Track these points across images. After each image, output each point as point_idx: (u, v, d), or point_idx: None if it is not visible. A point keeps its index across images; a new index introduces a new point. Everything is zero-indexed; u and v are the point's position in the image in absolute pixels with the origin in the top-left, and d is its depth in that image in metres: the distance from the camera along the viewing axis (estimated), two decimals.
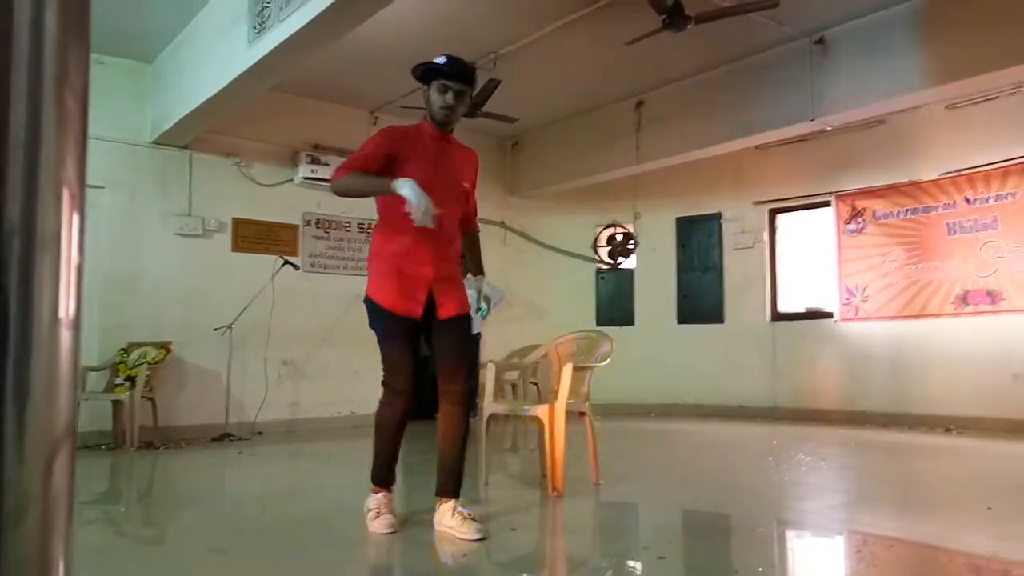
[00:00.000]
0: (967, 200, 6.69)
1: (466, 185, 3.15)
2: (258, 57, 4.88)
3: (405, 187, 2.70)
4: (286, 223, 7.40)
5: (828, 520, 3.38)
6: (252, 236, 7.18)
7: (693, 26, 5.09)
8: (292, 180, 7.43)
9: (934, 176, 6.92)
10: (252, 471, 5.28)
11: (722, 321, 8.37)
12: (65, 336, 0.30)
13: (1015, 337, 6.35)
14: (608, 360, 4.02)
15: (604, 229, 8.98)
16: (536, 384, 4.98)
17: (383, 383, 3.03)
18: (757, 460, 5.18)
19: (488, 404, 4.05)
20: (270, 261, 6.90)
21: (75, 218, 0.30)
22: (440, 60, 2.99)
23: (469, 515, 2.95)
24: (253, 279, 6.75)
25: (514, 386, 6.19)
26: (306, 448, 6.20)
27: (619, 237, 8.83)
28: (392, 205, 2.87)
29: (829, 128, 6.83)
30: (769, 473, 4.63)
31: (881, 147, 7.25)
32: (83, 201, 0.31)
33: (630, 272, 8.95)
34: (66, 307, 0.30)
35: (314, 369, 7.36)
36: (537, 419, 3.80)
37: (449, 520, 2.95)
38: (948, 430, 6.39)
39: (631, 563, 2.52)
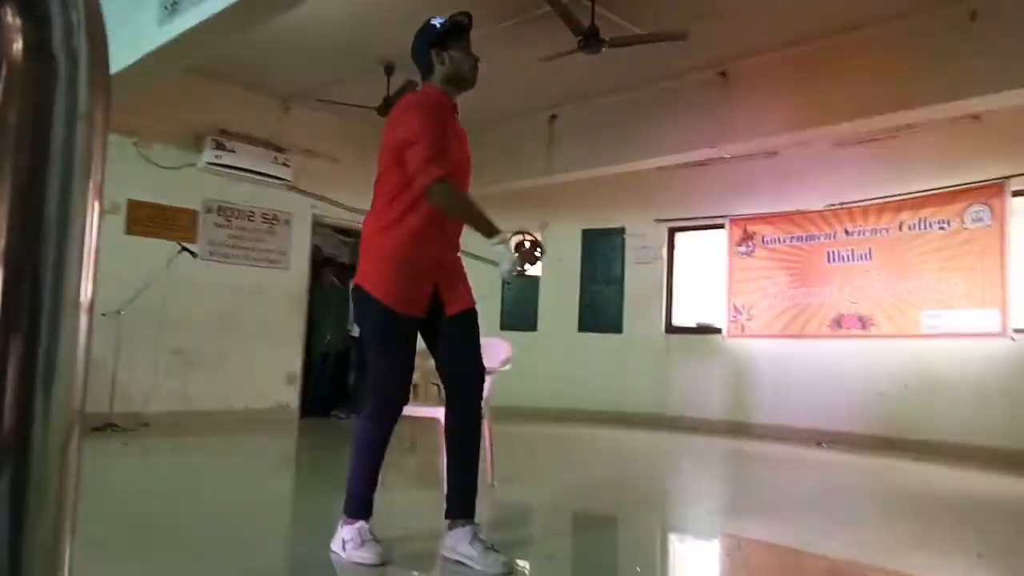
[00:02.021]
0: (846, 232, 7.23)
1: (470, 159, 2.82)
2: (168, 38, 4.73)
3: (504, 252, 2.45)
4: (186, 208, 7.15)
5: (705, 524, 3.61)
6: (147, 220, 6.90)
7: (607, 49, 5.30)
8: (195, 164, 7.19)
9: (819, 207, 7.44)
10: (136, 464, 5.09)
11: (621, 331, 8.68)
12: (84, 320, 0.36)
13: (882, 359, 6.90)
14: (509, 366, 4.14)
15: (513, 235, 9.12)
16: (438, 386, 5.03)
17: (371, 392, 2.58)
18: (645, 465, 5.43)
19: None
20: (167, 247, 6.66)
21: (97, 213, 0.36)
22: (441, 20, 2.66)
23: (491, 545, 2.53)
24: (147, 264, 6.49)
25: (415, 386, 6.22)
26: (196, 441, 6.02)
27: (527, 245, 8.98)
28: (399, 183, 2.53)
29: (727, 156, 7.24)
30: (655, 478, 4.88)
31: (773, 177, 7.72)
32: (103, 198, 0.38)
33: (536, 279, 9.14)
34: (87, 292, 0.36)
35: (208, 360, 7.14)
36: (436, 421, 3.86)
37: (467, 547, 2.51)
38: (819, 444, 6.88)
39: (520, 562, 2.62)
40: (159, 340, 6.67)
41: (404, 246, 2.52)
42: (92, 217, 0.34)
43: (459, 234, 2.71)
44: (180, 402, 6.91)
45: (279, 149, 7.68)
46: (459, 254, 2.75)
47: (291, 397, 7.76)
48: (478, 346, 2.68)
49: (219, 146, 7.21)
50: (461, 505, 2.61)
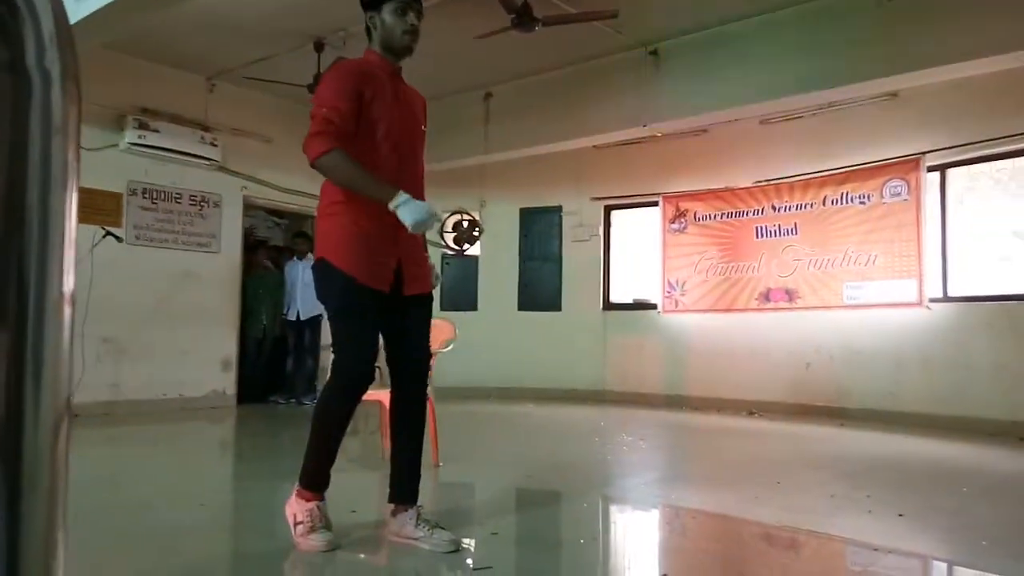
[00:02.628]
0: (773, 208, 7.47)
1: (423, 128, 2.71)
2: (84, 14, 4.53)
3: (405, 210, 2.30)
4: (108, 191, 6.87)
5: (645, 495, 3.73)
6: None
7: (540, 28, 5.31)
8: (116, 145, 6.92)
9: (747, 184, 7.66)
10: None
11: (559, 309, 8.79)
12: (67, 312, 0.37)
13: (808, 331, 7.19)
14: (451, 346, 4.16)
15: (451, 216, 9.11)
16: (379, 367, 5.02)
17: (336, 368, 2.48)
18: (585, 441, 5.55)
19: None
20: (90, 231, 6.40)
21: (74, 215, 0.38)
22: None
23: (436, 523, 2.55)
24: None
25: (377, 368, 6.18)
26: (128, 432, 5.86)
27: (465, 224, 9.00)
28: (358, 139, 2.45)
29: (659, 134, 7.37)
30: (595, 452, 4.99)
31: (703, 155, 7.90)
32: (77, 195, 0.39)
33: (475, 259, 9.16)
34: (68, 284, 0.37)
35: (138, 348, 6.92)
36: (379, 403, 3.86)
37: (413, 530, 2.53)
38: (751, 413, 7.14)
39: (466, 540, 2.67)
40: (86, 329, 6.42)
41: (361, 215, 2.43)
42: (70, 219, 0.36)
43: (420, 192, 2.61)
44: (110, 392, 6.69)
45: (205, 128, 7.44)
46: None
47: (227, 384, 7.61)
48: (428, 332, 2.66)
49: (142, 125, 6.95)
50: (406, 491, 2.60)
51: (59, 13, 0.35)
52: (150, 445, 5.44)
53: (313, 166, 2.40)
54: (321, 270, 2.50)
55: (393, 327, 2.58)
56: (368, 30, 2.61)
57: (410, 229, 2.33)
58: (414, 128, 2.62)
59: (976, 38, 5.17)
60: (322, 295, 2.52)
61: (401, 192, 2.33)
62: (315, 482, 2.52)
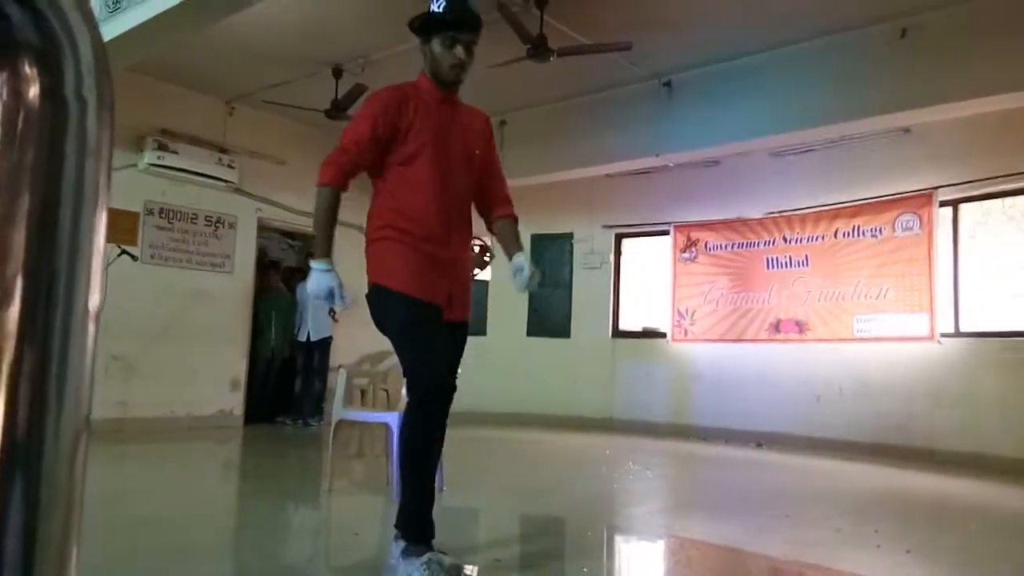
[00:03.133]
0: (784, 239, 7.47)
1: (477, 152, 2.61)
2: (107, 37, 4.63)
3: (310, 279, 2.33)
4: (126, 210, 6.98)
5: (650, 525, 3.70)
6: None
7: (555, 58, 5.39)
8: (136, 165, 7.03)
9: (759, 215, 7.67)
10: None
11: (569, 336, 8.78)
12: (92, 329, 0.39)
13: (818, 363, 7.15)
14: (459, 370, 4.16)
15: None
16: (386, 390, 5.03)
17: (412, 389, 2.33)
18: (592, 468, 5.52)
19: (338, 410, 4.06)
20: (106, 249, 6.48)
21: (103, 235, 0.40)
22: (437, 5, 2.46)
23: (441, 550, 2.36)
24: None
25: (363, 392, 6.19)
26: (136, 449, 5.88)
27: (476, 249, 9.04)
28: (402, 166, 2.42)
29: (671, 164, 7.41)
30: (601, 481, 4.96)
31: (715, 185, 7.93)
32: (106, 215, 0.42)
33: (485, 284, 9.18)
34: (95, 302, 0.39)
35: (148, 366, 6.97)
36: (386, 426, 3.87)
37: None
38: (759, 445, 7.08)
39: (468, 567, 2.66)
40: (97, 345, 6.47)
41: (413, 236, 2.38)
42: (99, 239, 0.38)
43: (468, 233, 2.58)
44: (119, 409, 6.72)
45: (223, 150, 7.56)
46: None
47: (235, 403, 7.63)
48: (459, 361, 2.55)
49: (161, 147, 7.06)
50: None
51: (97, 43, 0.38)
52: (157, 463, 5.46)
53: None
54: (377, 296, 2.40)
55: None
56: (422, 53, 2.56)
57: (308, 290, 2.37)
58: (465, 152, 2.55)
59: (988, 76, 5.20)
60: (380, 321, 2.41)
61: (320, 262, 2.35)
62: (422, 531, 2.33)
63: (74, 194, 0.36)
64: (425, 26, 2.46)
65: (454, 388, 2.40)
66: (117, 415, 6.68)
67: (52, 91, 0.35)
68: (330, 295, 2.33)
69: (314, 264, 2.34)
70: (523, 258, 2.64)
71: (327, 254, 2.36)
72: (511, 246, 2.72)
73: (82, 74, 0.36)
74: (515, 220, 2.80)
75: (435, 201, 2.42)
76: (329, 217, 2.38)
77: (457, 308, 2.49)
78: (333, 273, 2.35)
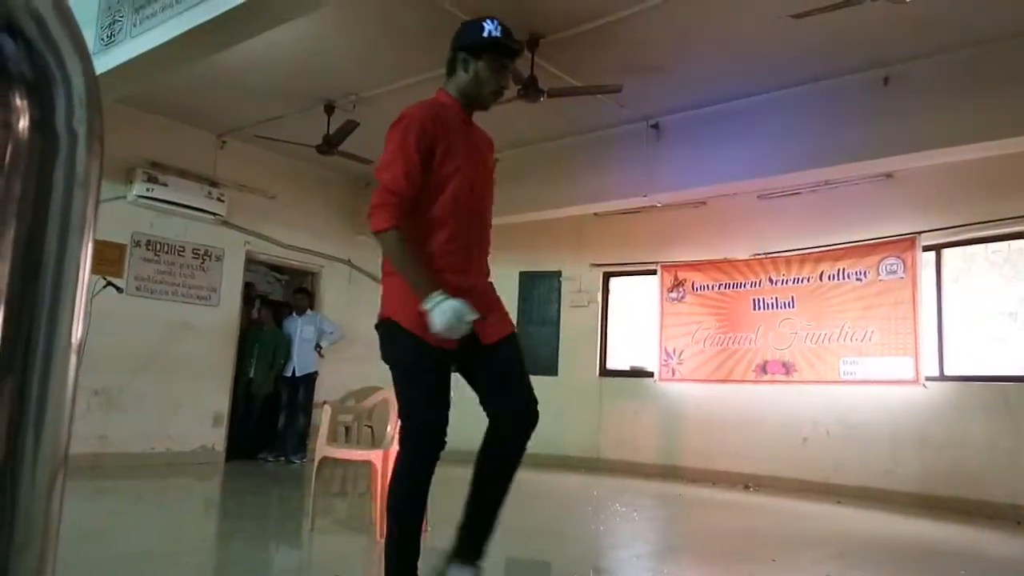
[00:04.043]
0: (771, 280, 7.53)
1: (492, 177, 2.56)
2: (101, 71, 4.65)
3: (436, 313, 2.12)
4: (113, 242, 6.94)
5: (636, 569, 3.65)
6: None
7: (545, 99, 5.46)
8: (124, 197, 7.02)
9: (745, 256, 7.73)
10: None
11: (556, 374, 8.75)
12: (73, 362, 0.38)
13: (805, 405, 7.15)
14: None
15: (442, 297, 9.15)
16: (371, 427, 4.98)
17: (406, 436, 2.28)
18: (579, 510, 5.46)
19: (322, 446, 4.01)
20: (90, 281, 6.42)
21: (88, 267, 0.39)
22: (493, 27, 2.35)
23: None
24: None
25: (348, 428, 6.13)
26: (113, 485, 5.76)
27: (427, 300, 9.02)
28: (432, 191, 2.28)
29: (659, 204, 7.48)
30: (588, 522, 4.90)
31: (702, 226, 8.00)
32: (92, 248, 0.41)
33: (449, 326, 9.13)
34: (76, 335, 0.38)
35: (129, 400, 6.87)
36: (370, 463, 3.82)
37: None
38: (747, 487, 7.03)
39: None
40: (79, 379, 6.37)
41: (431, 271, 2.24)
42: (84, 272, 0.37)
43: (486, 254, 2.47)
44: (98, 444, 6.60)
45: (213, 183, 7.56)
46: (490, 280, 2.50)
47: (217, 439, 7.51)
48: (526, 374, 2.42)
49: (151, 179, 7.06)
50: (477, 544, 2.38)
51: (90, 75, 0.38)
52: (135, 500, 5.35)
53: (376, 236, 2.25)
54: (387, 331, 2.30)
55: (485, 380, 2.39)
56: (450, 68, 2.42)
57: (436, 331, 2.15)
58: (485, 176, 2.48)
59: (968, 124, 5.31)
60: (388, 357, 2.32)
61: (436, 294, 2.14)
62: None
63: (61, 226, 0.36)
64: (476, 45, 2.34)
65: (535, 402, 2.39)
66: (96, 450, 6.56)
67: (43, 123, 0.35)
68: (462, 319, 2.14)
69: (431, 302, 2.13)
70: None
71: (433, 287, 2.16)
72: None
73: (73, 106, 0.36)
74: None
75: (461, 229, 2.32)
76: (408, 257, 2.22)
77: (490, 330, 2.35)
78: (452, 300, 2.14)
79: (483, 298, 2.38)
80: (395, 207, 2.20)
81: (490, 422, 2.38)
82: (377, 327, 2.34)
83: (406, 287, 2.25)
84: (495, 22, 2.35)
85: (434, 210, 2.29)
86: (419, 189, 2.25)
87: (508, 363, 2.39)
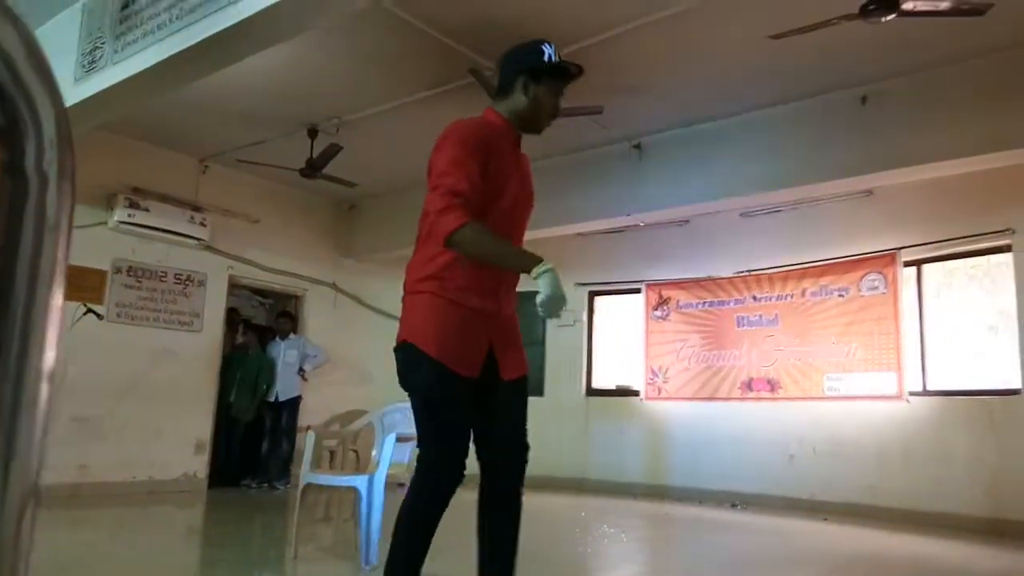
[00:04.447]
0: (754, 298, 7.57)
1: (531, 200, 2.52)
2: (83, 96, 4.64)
3: (545, 280, 2.06)
4: (93, 268, 6.86)
5: None
6: None
7: None
8: (105, 223, 6.95)
9: (728, 274, 7.78)
10: None
11: (542, 394, 8.72)
12: (45, 389, 0.37)
13: (791, 422, 7.16)
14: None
15: None
16: (356, 451, 4.93)
17: (423, 465, 2.20)
18: (565, 532, 5.41)
19: (306, 472, 3.96)
20: (70, 308, 6.35)
21: (59, 308, 0.38)
22: (551, 51, 2.32)
23: None
24: None
25: (332, 453, 6.05)
26: (93, 515, 5.65)
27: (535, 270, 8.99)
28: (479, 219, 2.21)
29: (642, 224, 7.52)
30: (576, 544, 4.86)
31: (686, 244, 8.05)
32: (64, 291, 0.40)
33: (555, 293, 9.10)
34: (50, 360, 0.37)
35: (110, 428, 6.76)
36: (355, 490, 3.78)
37: None
38: (733, 505, 7.02)
39: None
40: (58, 407, 6.28)
41: (452, 291, 2.17)
42: (55, 317, 0.36)
43: (517, 281, 2.37)
44: (78, 473, 6.49)
45: (196, 208, 7.52)
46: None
47: (199, 466, 7.41)
48: (526, 417, 2.41)
49: (132, 204, 7.00)
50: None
51: (60, 116, 0.37)
52: (116, 529, 5.25)
53: (448, 244, 2.11)
54: (406, 355, 2.20)
55: (494, 412, 2.31)
56: (504, 89, 2.37)
57: (540, 305, 2.07)
58: (525, 201, 2.44)
59: (945, 141, 5.38)
60: (407, 383, 2.22)
61: (546, 261, 2.11)
62: None
63: (30, 269, 0.35)
64: (538, 69, 2.31)
65: (527, 448, 2.35)
66: (76, 479, 6.44)
67: (12, 166, 0.34)
68: (562, 295, 2.10)
69: (542, 267, 2.08)
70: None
71: (537, 257, 2.12)
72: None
73: (43, 148, 0.35)
74: None
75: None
76: (496, 241, 2.17)
77: (511, 366, 2.31)
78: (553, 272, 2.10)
79: (509, 330, 2.34)
80: (462, 206, 2.11)
81: (483, 473, 2.32)
82: (396, 351, 2.23)
83: (429, 308, 2.18)
84: (551, 46, 2.33)
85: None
86: (480, 195, 2.17)
87: (517, 408, 2.35)
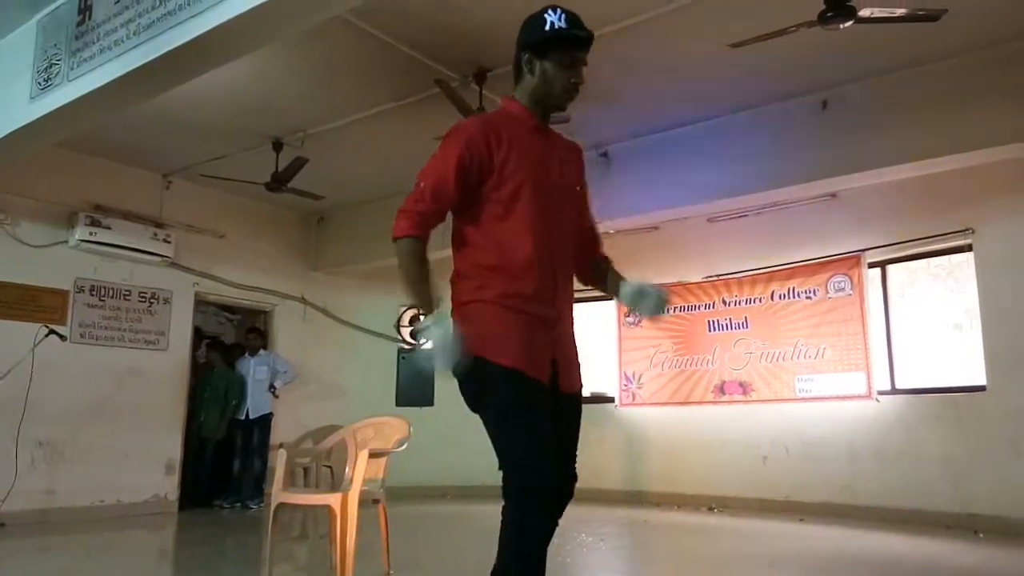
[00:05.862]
0: (724, 302, 7.64)
1: (579, 189, 2.29)
2: (38, 115, 4.53)
3: (432, 329, 1.93)
4: (54, 288, 6.71)
5: None
6: (12, 301, 6.43)
7: None
8: (66, 242, 6.80)
9: (698, 279, 7.84)
10: None
11: None
12: None
13: (763, 424, 7.22)
14: (405, 446, 4.06)
15: (407, 309, 9.07)
16: (330, 467, 4.85)
17: (515, 485, 1.96)
18: None
19: (278, 491, 3.88)
20: (32, 329, 6.18)
21: None
22: (556, 17, 2.10)
23: None
24: (9, 349, 6.01)
25: (306, 470, 5.96)
26: (61, 542, 5.50)
27: (422, 318, 8.94)
28: (498, 211, 2.07)
29: (612, 231, 7.54)
30: (554, 555, 4.83)
31: (655, 250, 8.08)
32: None
33: (431, 353, 9.05)
34: None
35: (76, 452, 6.59)
36: (329, 508, 3.72)
37: None
38: (711, 509, 7.05)
39: None
40: (22, 431, 6.10)
41: (513, 296, 2.02)
42: None
43: (571, 280, 2.23)
44: (45, 499, 6.31)
45: (159, 225, 7.39)
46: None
47: (170, 488, 7.25)
48: (576, 444, 2.24)
49: (94, 222, 6.86)
50: None
51: None
52: (84, 556, 5.11)
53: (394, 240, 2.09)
54: (472, 371, 1.98)
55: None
56: (517, 71, 2.20)
57: (423, 352, 1.96)
58: (567, 186, 2.20)
59: (905, 144, 5.48)
60: (476, 403, 2.04)
61: (431, 317, 1.98)
62: None
63: None
64: (540, 41, 2.10)
65: (575, 479, 2.15)
66: (42, 505, 6.27)
67: None
68: (444, 354, 1.92)
69: (423, 323, 1.96)
70: (637, 282, 2.32)
71: (432, 305, 2.00)
72: (618, 280, 2.39)
73: None
74: (605, 256, 2.45)
75: (540, 250, 2.06)
76: (417, 268, 2.04)
77: (570, 376, 2.16)
78: (449, 329, 1.93)
79: (569, 344, 2.19)
80: (420, 216, 2.05)
81: None
82: (461, 367, 1.97)
83: (490, 316, 2.02)
84: (558, 11, 2.11)
85: (509, 228, 2.06)
86: (447, 205, 2.08)
87: (568, 431, 2.17)
